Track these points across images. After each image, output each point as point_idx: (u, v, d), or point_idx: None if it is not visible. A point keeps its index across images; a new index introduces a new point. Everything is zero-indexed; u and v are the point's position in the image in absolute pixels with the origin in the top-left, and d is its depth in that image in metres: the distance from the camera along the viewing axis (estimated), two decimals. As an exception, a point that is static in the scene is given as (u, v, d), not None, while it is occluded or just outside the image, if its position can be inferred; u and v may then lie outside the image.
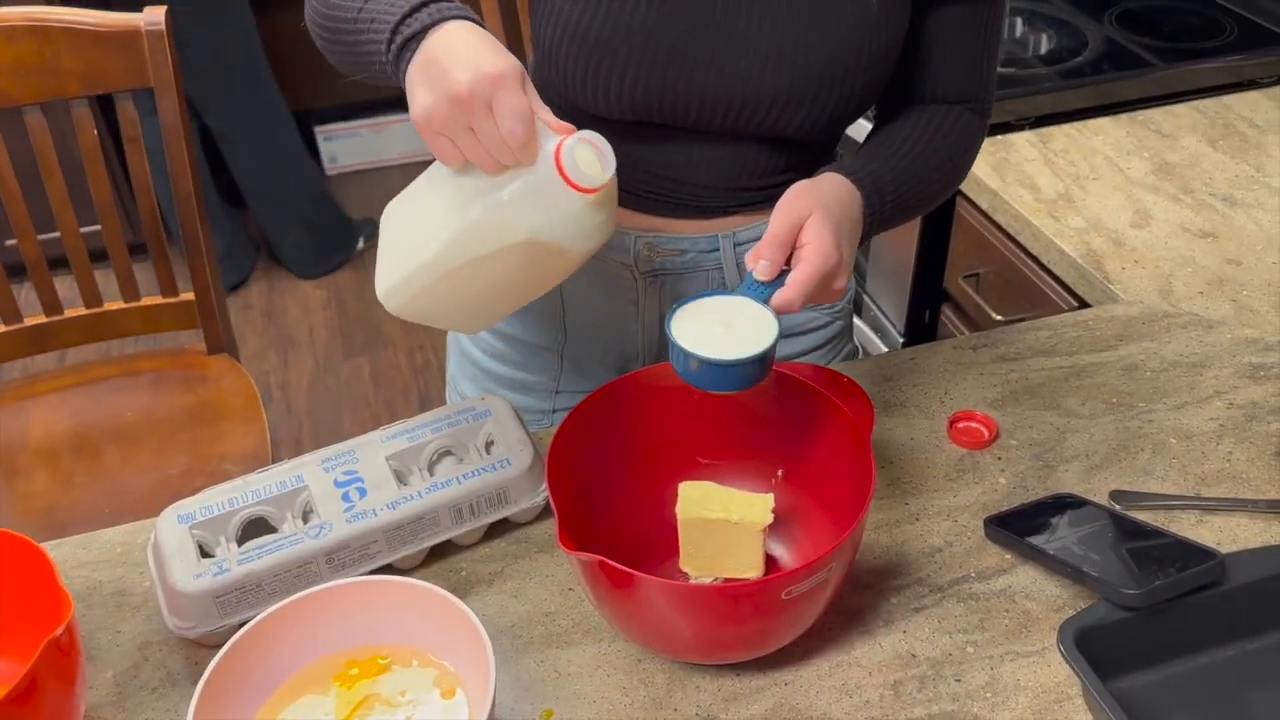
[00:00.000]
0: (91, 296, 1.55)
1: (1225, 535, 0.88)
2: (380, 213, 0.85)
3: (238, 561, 0.80)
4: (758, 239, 0.96)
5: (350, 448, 0.88)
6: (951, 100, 0.94)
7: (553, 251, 0.74)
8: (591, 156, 0.72)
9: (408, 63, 0.74)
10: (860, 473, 0.78)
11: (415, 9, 0.74)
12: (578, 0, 0.85)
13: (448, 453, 0.89)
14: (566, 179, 0.70)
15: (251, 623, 0.76)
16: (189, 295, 1.56)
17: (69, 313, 1.55)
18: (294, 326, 2.72)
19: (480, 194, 0.73)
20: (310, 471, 0.86)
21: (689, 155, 0.93)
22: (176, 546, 0.81)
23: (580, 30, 0.85)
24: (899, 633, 0.82)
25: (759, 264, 0.78)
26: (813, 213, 0.78)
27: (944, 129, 0.93)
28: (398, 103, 3.34)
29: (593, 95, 0.88)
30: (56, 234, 1.48)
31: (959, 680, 0.78)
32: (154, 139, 1.67)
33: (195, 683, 0.79)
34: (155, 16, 1.40)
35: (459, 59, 0.70)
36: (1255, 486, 0.92)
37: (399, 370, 2.57)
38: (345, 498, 0.84)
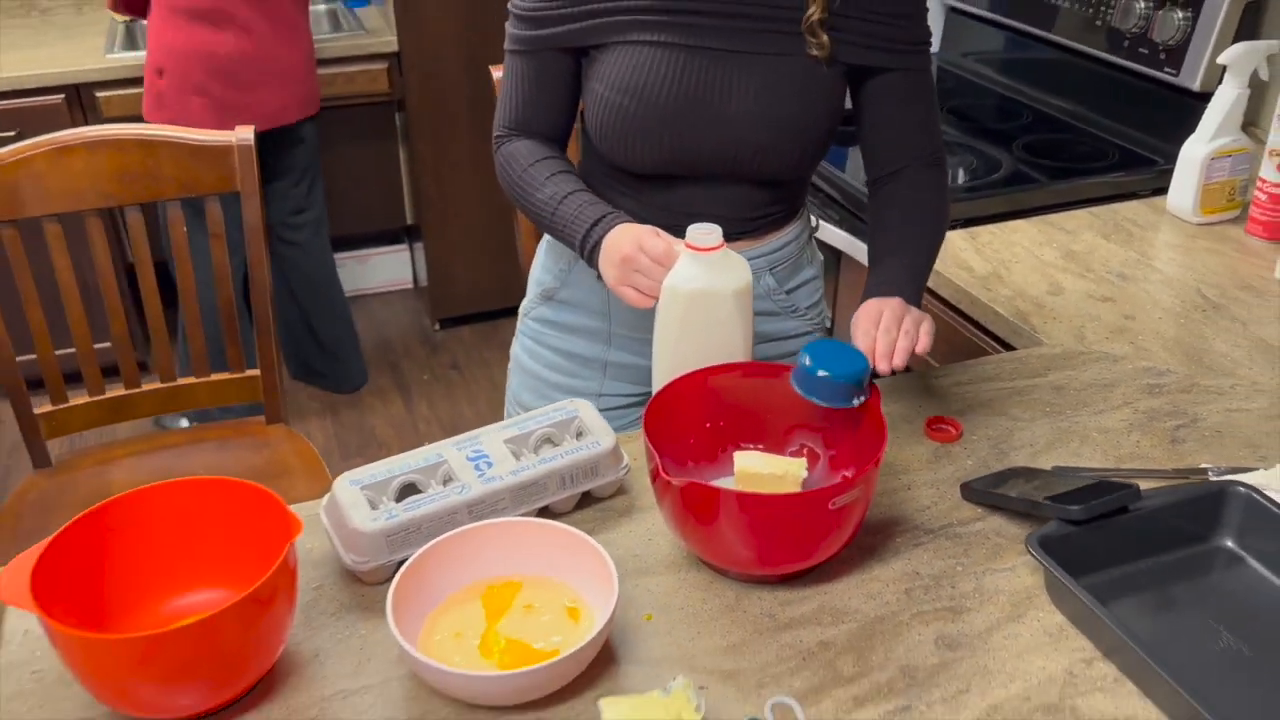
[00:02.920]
0: (166, 372, 1.77)
1: (1139, 491, 1.17)
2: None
3: (403, 510, 1.03)
4: (754, 258, 1.32)
5: (474, 435, 1.13)
6: (917, 160, 1.29)
7: (708, 293, 1.13)
8: (702, 233, 1.12)
9: (597, 259, 1.19)
10: (873, 434, 1.06)
11: (590, 229, 1.19)
12: (622, 92, 1.20)
13: (548, 440, 1.14)
14: (691, 246, 1.12)
15: (418, 552, 0.99)
16: (254, 371, 1.79)
17: (146, 385, 1.77)
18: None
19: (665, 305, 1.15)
20: (447, 451, 1.10)
21: (700, 196, 1.28)
22: (352, 500, 1.04)
23: (623, 111, 1.21)
24: (905, 559, 1.08)
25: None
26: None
27: (918, 194, 1.28)
28: (379, 237, 3.64)
29: (632, 156, 1.23)
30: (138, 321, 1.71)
31: (954, 587, 1.04)
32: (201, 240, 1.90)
33: (363, 610, 1.02)
34: (246, 134, 1.68)
35: (620, 242, 1.15)
36: (1158, 461, 1.22)
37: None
38: (477, 467, 1.09)
